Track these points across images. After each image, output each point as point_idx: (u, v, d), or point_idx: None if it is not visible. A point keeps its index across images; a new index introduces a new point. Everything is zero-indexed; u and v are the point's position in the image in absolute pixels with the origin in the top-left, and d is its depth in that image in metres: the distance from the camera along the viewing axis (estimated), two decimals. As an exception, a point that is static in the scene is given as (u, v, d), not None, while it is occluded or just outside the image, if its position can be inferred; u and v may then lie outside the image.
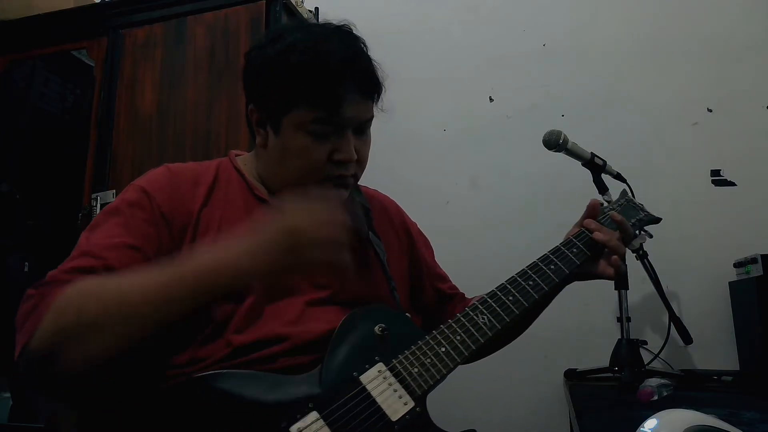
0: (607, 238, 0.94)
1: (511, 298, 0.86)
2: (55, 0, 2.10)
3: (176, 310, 0.67)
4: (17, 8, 2.11)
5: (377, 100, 0.89)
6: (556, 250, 0.94)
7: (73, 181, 1.94)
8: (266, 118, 0.87)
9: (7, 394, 2.02)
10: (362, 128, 0.88)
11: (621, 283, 1.39)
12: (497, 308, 0.84)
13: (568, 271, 0.91)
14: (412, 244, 1.08)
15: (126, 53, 1.90)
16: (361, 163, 0.89)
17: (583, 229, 0.97)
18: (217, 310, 0.77)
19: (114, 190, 1.80)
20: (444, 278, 1.13)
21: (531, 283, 0.88)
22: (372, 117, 0.89)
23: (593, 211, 1.00)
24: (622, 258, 0.94)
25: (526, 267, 0.91)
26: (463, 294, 1.12)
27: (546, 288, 0.89)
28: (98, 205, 1.80)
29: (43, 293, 0.69)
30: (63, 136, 2.38)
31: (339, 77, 0.82)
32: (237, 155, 0.96)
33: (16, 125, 2.28)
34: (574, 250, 0.94)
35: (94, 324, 0.65)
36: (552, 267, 0.91)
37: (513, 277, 0.90)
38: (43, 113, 2.35)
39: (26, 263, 2.21)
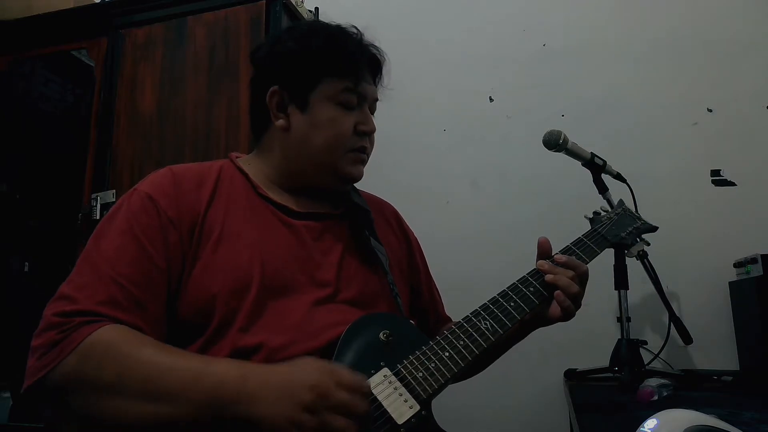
0: (557, 278, 0.87)
1: (512, 303, 0.86)
2: (55, 0, 2.10)
3: (183, 415, 0.65)
4: (17, 8, 2.11)
5: (379, 83, 0.98)
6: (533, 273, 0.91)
7: (73, 181, 1.94)
8: (291, 99, 0.90)
9: (7, 394, 2.02)
10: (372, 109, 0.96)
11: (621, 283, 1.39)
12: (499, 314, 0.85)
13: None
14: (411, 252, 1.08)
15: (126, 53, 1.90)
16: (372, 143, 0.95)
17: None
18: (220, 306, 0.77)
19: (114, 190, 1.80)
20: (438, 293, 1.14)
21: (532, 289, 0.88)
22: (377, 99, 0.97)
23: (542, 249, 0.93)
24: (574, 298, 0.86)
25: (526, 274, 0.91)
26: (450, 318, 1.12)
27: (546, 294, 0.89)
28: (98, 205, 1.79)
29: (68, 328, 0.69)
30: (63, 136, 2.38)
31: (358, 52, 0.92)
32: (237, 157, 0.97)
33: (16, 125, 2.28)
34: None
35: (107, 389, 0.66)
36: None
37: (514, 283, 0.90)
38: (43, 113, 2.35)
39: (26, 263, 2.21)
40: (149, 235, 0.78)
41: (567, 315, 0.87)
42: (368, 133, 0.92)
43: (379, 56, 0.96)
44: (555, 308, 0.87)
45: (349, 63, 0.90)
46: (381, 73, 0.98)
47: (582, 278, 0.89)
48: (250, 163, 0.95)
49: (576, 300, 0.87)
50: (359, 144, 0.91)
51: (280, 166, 0.93)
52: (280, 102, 0.92)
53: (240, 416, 0.63)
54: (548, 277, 0.87)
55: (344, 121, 0.89)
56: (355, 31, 0.94)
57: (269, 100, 0.92)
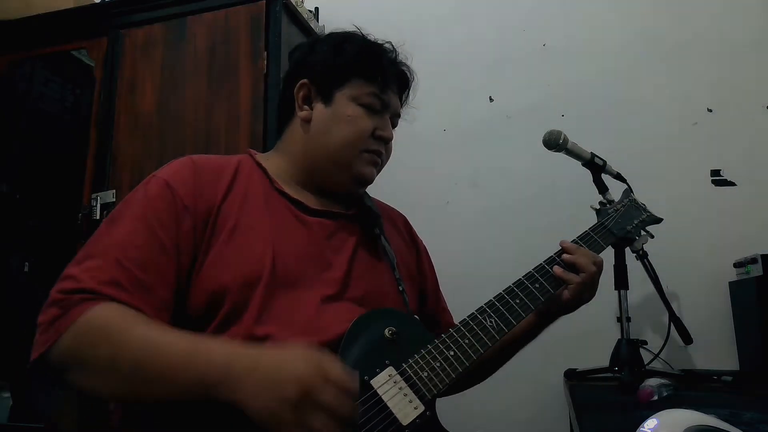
0: (575, 258, 0.93)
1: (518, 301, 0.86)
2: (55, 0, 2.10)
3: (174, 395, 0.67)
4: (17, 8, 2.11)
5: (404, 101, 1.02)
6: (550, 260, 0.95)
7: (73, 181, 1.94)
8: (318, 92, 0.94)
9: (7, 394, 2.02)
10: (394, 123, 0.98)
11: (621, 283, 1.39)
12: (505, 312, 0.84)
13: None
14: (420, 259, 1.09)
15: (126, 53, 1.90)
16: (388, 152, 0.98)
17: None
18: (230, 297, 0.78)
19: (114, 190, 1.80)
20: (444, 301, 1.15)
21: (537, 285, 0.88)
22: (400, 115, 1.00)
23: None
24: (591, 280, 0.92)
25: (533, 270, 0.91)
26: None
27: (552, 291, 0.89)
28: (98, 205, 1.79)
29: (68, 304, 0.70)
30: (63, 136, 2.38)
31: (390, 64, 0.95)
32: (254, 153, 0.98)
33: (16, 125, 2.28)
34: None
35: (101, 369, 0.69)
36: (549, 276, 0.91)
37: (520, 279, 0.90)
38: (43, 113, 2.35)
39: (26, 263, 2.21)
40: (162, 220, 0.78)
41: (575, 299, 0.91)
42: (385, 139, 0.94)
43: (408, 75, 1.00)
44: (565, 293, 0.91)
45: (379, 70, 0.93)
46: (408, 92, 1.02)
47: (599, 266, 0.93)
48: (268, 159, 0.97)
49: (592, 284, 0.91)
50: (375, 147, 0.93)
51: (297, 161, 0.95)
52: (306, 95, 0.94)
53: (224, 398, 0.64)
54: (566, 257, 0.92)
55: (364, 122, 0.92)
56: (390, 47, 0.98)
57: (297, 91, 0.94)
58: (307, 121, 0.93)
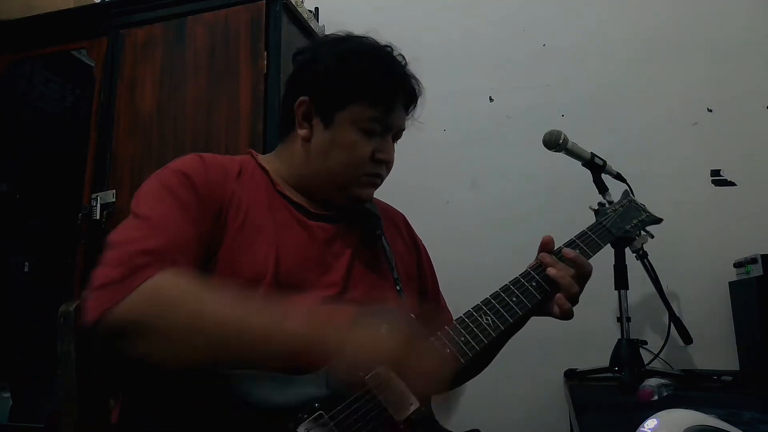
0: (560, 275, 0.86)
1: (514, 298, 0.85)
2: (55, 0, 2.10)
3: (248, 361, 0.68)
4: (17, 8, 2.11)
5: (411, 113, 0.98)
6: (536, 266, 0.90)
7: (73, 181, 1.94)
8: (318, 111, 0.90)
9: (7, 394, 2.02)
10: (396, 137, 0.96)
11: (621, 283, 1.39)
12: (501, 309, 0.84)
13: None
14: (420, 260, 1.09)
15: (126, 53, 1.90)
16: (388, 169, 0.96)
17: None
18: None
19: (114, 190, 1.80)
20: (443, 301, 1.14)
21: (534, 283, 0.87)
22: (404, 128, 0.97)
23: (545, 248, 0.91)
24: (573, 298, 0.85)
25: (528, 267, 0.90)
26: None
27: (549, 288, 0.88)
28: (98, 205, 1.79)
29: (133, 268, 0.69)
30: (63, 136, 2.38)
31: (397, 86, 0.91)
32: (256, 154, 0.98)
33: (16, 125, 2.28)
34: (533, 283, 0.88)
35: (177, 332, 0.67)
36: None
37: (516, 277, 0.89)
38: (43, 113, 2.35)
39: (26, 263, 2.21)
40: (191, 204, 0.79)
41: (565, 316, 0.86)
42: (385, 162, 0.93)
43: (417, 90, 0.96)
44: (554, 307, 0.87)
45: (385, 94, 0.90)
46: (415, 106, 0.98)
47: (585, 278, 0.88)
48: (270, 162, 0.96)
49: (575, 300, 0.86)
50: (374, 171, 0.92)
51: (296, 171, 0.94)
52: (306, 112, 0.92)
53: (332, 344, 0.68)
54: (550, 270, 0.86)
55: (363, 147, 0.89)
56: (401, 60, 0.94)
57: (297, 108, 0.92)
58: (307, 139, 0.92)
